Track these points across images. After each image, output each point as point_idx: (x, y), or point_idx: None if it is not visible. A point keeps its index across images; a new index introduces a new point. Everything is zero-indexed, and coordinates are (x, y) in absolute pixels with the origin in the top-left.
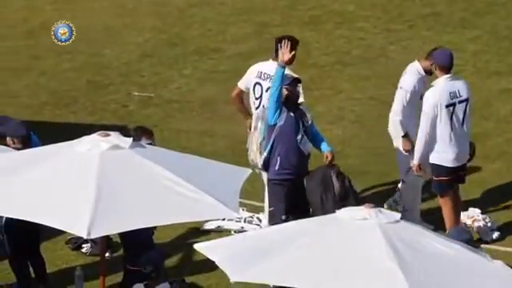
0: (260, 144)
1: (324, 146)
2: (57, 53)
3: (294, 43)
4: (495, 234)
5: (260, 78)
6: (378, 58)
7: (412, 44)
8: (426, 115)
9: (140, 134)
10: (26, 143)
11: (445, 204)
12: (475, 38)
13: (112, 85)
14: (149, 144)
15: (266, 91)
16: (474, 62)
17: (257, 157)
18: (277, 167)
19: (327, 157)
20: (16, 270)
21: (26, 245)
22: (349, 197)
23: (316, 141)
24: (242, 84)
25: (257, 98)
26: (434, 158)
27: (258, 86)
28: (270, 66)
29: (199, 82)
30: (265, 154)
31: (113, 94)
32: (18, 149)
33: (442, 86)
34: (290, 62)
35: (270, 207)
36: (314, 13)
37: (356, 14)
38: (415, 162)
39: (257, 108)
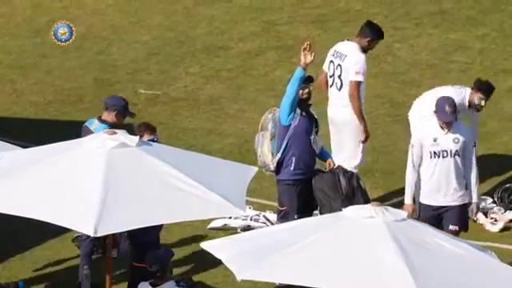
0: (271, 145)
1: (326, 154)
2: (64, 51)
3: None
4: (499, 225)
5: (333, 56)
6: (384, 56)
7: (419, 42)
8: None
9: (143, 130)
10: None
11: None
12: (482, 36)
13: (119, 83)
14: (151, 140)
15: (336, 68)
16: (481, 60)
17: (269, 159)
18: (292, 167)
19: (330, 164)
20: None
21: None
22: (356, 195)
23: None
24: (324, 66)
25: (330, 76)
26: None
27: (331, 64)
28: (344, 46)
29: (206, 80)
30: (278, 155)
31: (119, 92)
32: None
33: None
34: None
35: (281, 206)
36: (321, 11)
37: (363, 12)
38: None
39: (330, 86)
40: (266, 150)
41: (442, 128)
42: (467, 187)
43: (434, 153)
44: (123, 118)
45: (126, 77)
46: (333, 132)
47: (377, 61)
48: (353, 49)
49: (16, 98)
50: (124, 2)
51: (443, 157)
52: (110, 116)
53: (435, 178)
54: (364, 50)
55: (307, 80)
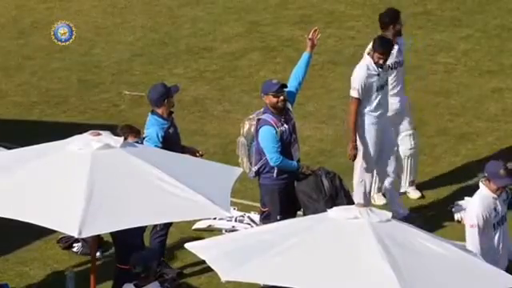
0: (249, 155)
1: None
2: (48, 52)
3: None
4: None
5: None
6: None
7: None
8: None
9: (126, 132)
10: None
11: None
12: (466, 36)
13: (103, 84)
14: (135, 143)
15: None
16: (465, 61)
17: (247, 166)
18: (275, 175)
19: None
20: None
21: None
22: (339, 196)
23: (296, 78)
24: None
25: None
26: None
27: None
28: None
29: (190, 81)
30: (256, 167)
31: (104, 94)
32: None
33: None
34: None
35: (264, 208)
36: (305, 12)
37: (347, 13)
38: None
39: None
40: (244, 158)
41: (495, 193)
42: None
43: (498, 223)
44: (172, 99)
45: (110, 78)
46: None
47: None
48: (360, 62)
49: (0, 100)
50: (108, 3)
51: (502, 224)
52: (162, 109)
53: (496, 249)
54: (375, 63)
55: (281, 87)
